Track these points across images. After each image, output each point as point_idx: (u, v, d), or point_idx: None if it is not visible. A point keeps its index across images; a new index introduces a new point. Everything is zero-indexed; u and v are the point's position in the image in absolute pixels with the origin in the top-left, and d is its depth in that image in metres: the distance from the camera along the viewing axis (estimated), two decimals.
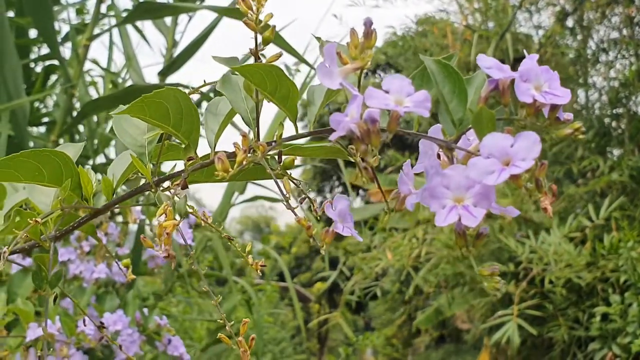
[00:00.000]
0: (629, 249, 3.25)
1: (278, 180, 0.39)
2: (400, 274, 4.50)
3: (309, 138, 0.38)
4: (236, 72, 0.38)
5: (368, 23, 0.33)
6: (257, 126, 0.38)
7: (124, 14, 2.00)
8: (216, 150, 0.43)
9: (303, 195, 0.41)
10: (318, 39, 0.36)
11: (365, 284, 4.62)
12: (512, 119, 0.33)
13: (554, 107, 0.32)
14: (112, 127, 2.04)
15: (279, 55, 0.38)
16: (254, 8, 0.35)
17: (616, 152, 4.61)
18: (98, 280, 1.33)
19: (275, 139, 0.38)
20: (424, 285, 4.21)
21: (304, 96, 0.43)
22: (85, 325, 0.95)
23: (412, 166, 0.37)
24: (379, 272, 4.33)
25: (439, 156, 0.35)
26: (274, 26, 0.36)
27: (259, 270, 0.47)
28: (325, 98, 0.38)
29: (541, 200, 0.30)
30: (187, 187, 0.40)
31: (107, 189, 0.49)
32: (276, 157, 0.40)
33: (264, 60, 0.40)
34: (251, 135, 0.40)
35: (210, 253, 2.59)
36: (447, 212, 0.31)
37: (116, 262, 0.61)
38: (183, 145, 0.42)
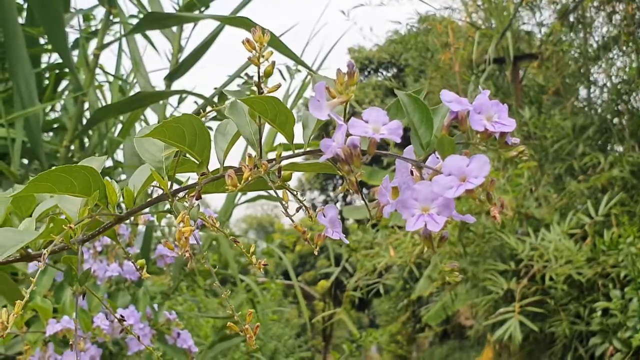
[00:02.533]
0: (628, 245, 3.28)
1: (278, 191, 0.46)
2: (403, 270, 4.55)
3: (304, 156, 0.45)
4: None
5: (351, 65, 0.39)
6: (260, 146, 0.45)
7: (130, 21, 2.06)
8: (225, 165, 0.50)
9: (299, 205, 0.48)
10: (312, 72, 0.43)
11: (369, 280, 4.67)
12: (469, 143, 0.40)
13: (502, 134, 0.39)
14: (120, 131, 2.10)
15: (278, 86, 0.45)
16: (257, 48, 0.42)
17: (617, 148, 4.65)
18: (110, 278, 1.39)
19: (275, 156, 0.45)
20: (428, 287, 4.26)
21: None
22: (106, 319, 1.01)
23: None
24: (382, 268, 4.38)
25: (412, 172, 0.42)
26: (274, 62, 0.43)
27: (261, 269, 0.53)
28: (316, 124, 0.45)
29: (491, 210, 0.37)
30: (201, 198, 0.47)
31: (129, 198, 0.55)
32: (276, 172, 0.46)
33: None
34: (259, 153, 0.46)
35: (215, 252, 2.65)
36: (415, 219, 0.38)
37: (132, 262, 0.67)
38: (197, 162, 0.48)
